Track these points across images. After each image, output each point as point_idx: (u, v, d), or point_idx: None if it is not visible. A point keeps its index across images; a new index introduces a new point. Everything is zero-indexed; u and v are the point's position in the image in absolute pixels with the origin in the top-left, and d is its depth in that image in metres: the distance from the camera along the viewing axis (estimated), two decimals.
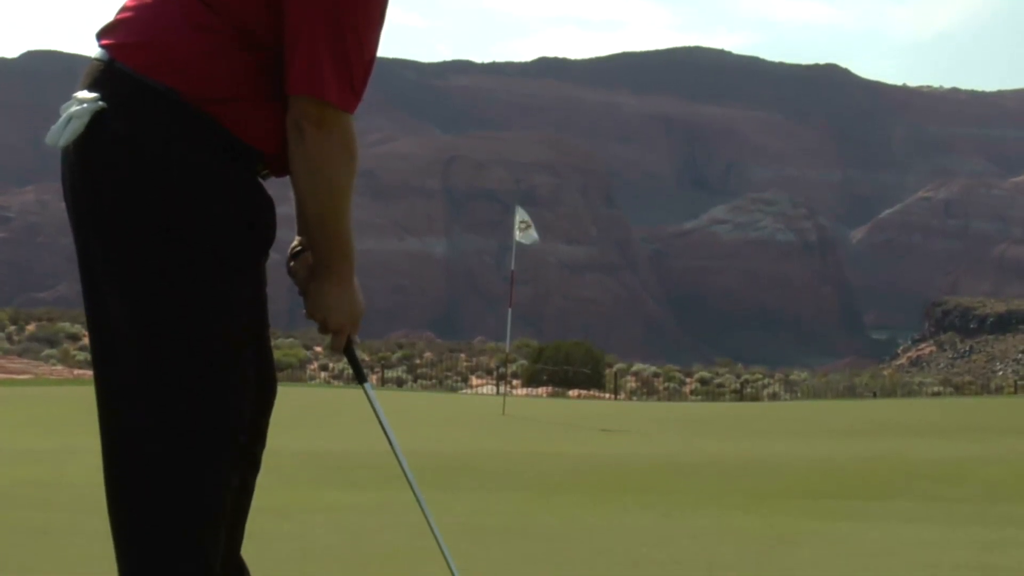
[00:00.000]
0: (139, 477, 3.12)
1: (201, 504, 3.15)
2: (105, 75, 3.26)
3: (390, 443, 3.41)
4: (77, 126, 3.20)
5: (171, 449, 3.12)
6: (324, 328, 3.37)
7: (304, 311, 3.38)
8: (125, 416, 3.16)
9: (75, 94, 3.27)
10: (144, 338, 3.14)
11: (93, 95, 3.22)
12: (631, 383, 63.20)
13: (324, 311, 3.36)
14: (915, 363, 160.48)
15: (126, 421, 3.15)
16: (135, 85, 3.22)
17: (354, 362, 3.48)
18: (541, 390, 51.72)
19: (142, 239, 3.14)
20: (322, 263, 3.35)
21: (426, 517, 3.40)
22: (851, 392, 57.37)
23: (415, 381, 61.44)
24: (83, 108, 3.20)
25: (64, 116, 3.23)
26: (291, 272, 3.43)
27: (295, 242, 3.45)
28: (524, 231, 28.65)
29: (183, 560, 3.13)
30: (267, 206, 3.31)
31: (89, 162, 3.18)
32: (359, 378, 3.49)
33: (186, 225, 3.15)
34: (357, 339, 3.43)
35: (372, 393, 3.50)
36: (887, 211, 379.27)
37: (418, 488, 3.40)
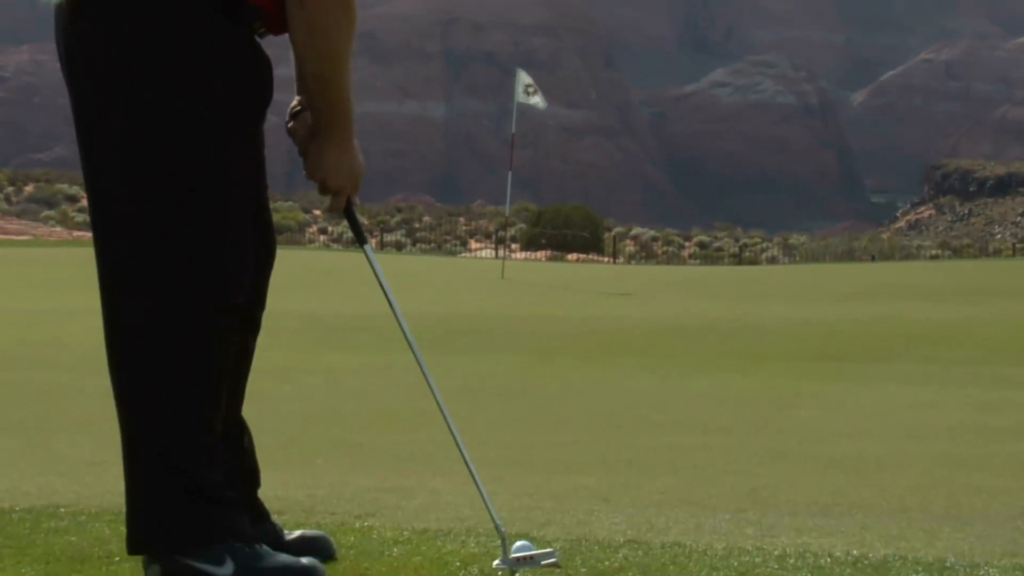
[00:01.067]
0: (140, 340, 3.12)
1: (202, 365, 3.15)
2: None
3: (390, 305, 3.41)
4: None
5: (170, 311, 3.12)
6: (323, 189, 3.34)
7: (304, 172, 3.36)
8: (124, 282, 3.15)
9: None
10: (140, 200, 3.12)
11: None
12: (630, 247, 63.27)
13: (323, 172, 3.33)
14: (914, 226, 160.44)
15: (125, 286, 3.15)
16: None
17: (354, 223, 3.46)
18: (540, 254, 51.81)
19: (136, 99, 3.11)
20: (321, 124, 3.32)
21: (426, 379, 3.41)
22: (850, 256, 57.49)
23: (414, 245, 61.49)
24: None
25: None
26: (290, 132, 3.41)
27: (294, 102, 3.42)
28: (532, 95, 28.47)
29: (184, 421, 3.15)
30: (264, 66, 3.28)
31: (83, 20, 3.14)
32: (359, 240, 3.46)
33: (182, 86, 3.12)
34: (357, 200, 3.41)
35: (372, 255, 3.48)
36: (888, 73, 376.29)
37: (418, 350, 3.42)
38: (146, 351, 3.14)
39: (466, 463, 3.38)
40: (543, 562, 3.28)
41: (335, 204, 3.35)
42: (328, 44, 3.21)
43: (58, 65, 3.25)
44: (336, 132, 3.29)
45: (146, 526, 3.13)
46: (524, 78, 28.52)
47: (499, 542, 3.38)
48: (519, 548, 3.33)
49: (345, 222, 3.47)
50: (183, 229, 3.13)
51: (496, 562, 3.30)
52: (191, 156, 3.13)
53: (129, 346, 3.16)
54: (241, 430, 3.38)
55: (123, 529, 3.24)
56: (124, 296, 3.16)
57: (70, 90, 3.21)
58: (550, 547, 3.53)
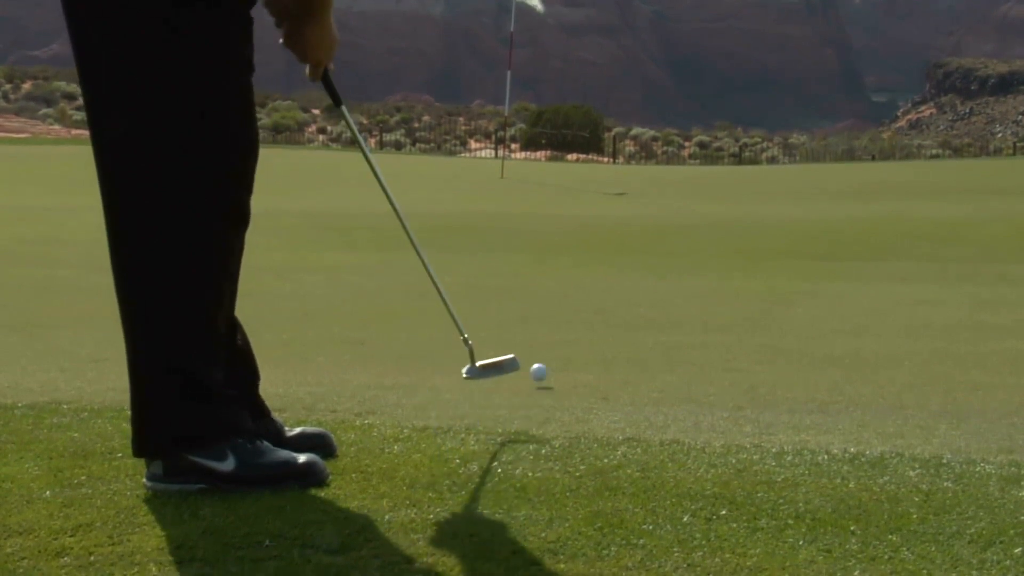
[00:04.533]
0: (142, 241, 3.09)
1: (204, 264, 3.14)
2: None
3: (370, 165, 3.54)
4: None
5: (172, 210, 3.09)
6: (302, 59, 3.45)
7: (281, 41, 3.42)
8: (123, 179, 3.12)
9: None
10: (134, 91, 3.09)
11: None
12: (630, 147, 63.08)
13: (303, 47, 3.39)
14: (915, 125, 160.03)
15: (124, 184, 3.12)
16: None
17: (330, 88, 3.59)
18: (540, 153, 51.70)
19: (143, 11, 3.06)
20: (303, 5, 3.33)
21: (425, 265, 3.48)
22: (850, 155, 57.35)
23: (414, 144, 61.30)
24: None
25: None
26: (266, 3, 3.40)
27: None
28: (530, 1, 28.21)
29: (186, 321, 3.13)
30: None
31: None
32: (335, 102, 3.64)
33: None
34: (332, 67, 3.53)
35: (348, 116, 3.66)
36: None
37: (413, 232, 3.47)
38: (148, 252, 3.13)
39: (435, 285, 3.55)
40: (509, 370, 3.42)
41: (313, 74, 3.45)
42: None
43: None
44: (316, 11, 3.32)
45: (151, 428, 3.14)
46: None
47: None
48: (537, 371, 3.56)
49: (342, 120, 3.54)
50: (180, 126, 3.10)
51: (463, 371, 3.43)
52: (181, 46, 3.10)
53: (131, 248, 3.14)
54: (232, 328, 3.38)
55: (125, 425, 3.26)
56: (124, 197, 3.14)
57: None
58: (548, 444, 3.55)
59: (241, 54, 3.19)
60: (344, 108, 3.59)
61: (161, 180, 3.11)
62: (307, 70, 3.46)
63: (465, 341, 3.56)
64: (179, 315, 3.14)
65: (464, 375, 3.64)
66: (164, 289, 3.13)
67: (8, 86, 69.65)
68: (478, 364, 3.61)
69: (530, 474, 3.24)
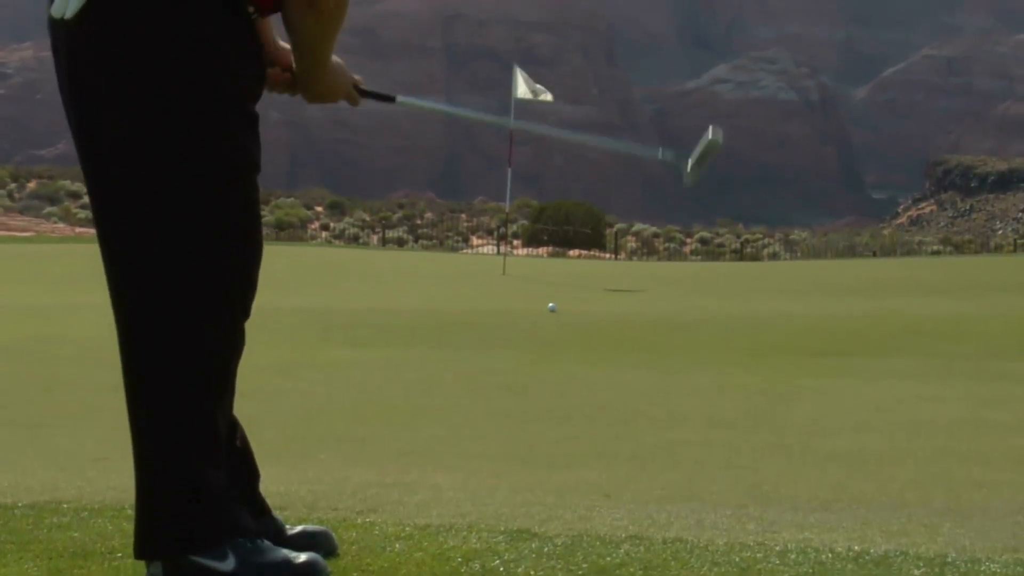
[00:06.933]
0: (148, 341, 3.11)
1: (211, 368, 3.14)
2: None
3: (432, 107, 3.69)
4: None
5: (174, 308, 3.10)
6: (334, 99, 3.56)
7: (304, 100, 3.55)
8: (128, 279, 3.12)
9: None
10: (141, 189, 3.10)
11: None
12: (631, 243, 63.30)
13: (322, 98, 3.52)
14: (915, 222, 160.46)
15: (131, 285, 3.13)
16: None
17: (373, 94, 3.64)
18: (542, 250, 51.86)
19: (150, 108, 3.08)
20: (306, 76, 3.44)
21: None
22: (851, 251, 57.52)
23: (416, 241, 61.51)
24: None
25: None
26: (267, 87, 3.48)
27: None
28: (539, 95, 28.83)
29: (192, 425, 3.12)
30: (260, 51, 3.28)
31: (92, 22, 3.10)
32: (389, 99, 3.70)
33: (193, 78, 3.08)
34: (361, 81, 3.59)
35: (412, 99, 3.75)
36: (890, 69, 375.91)
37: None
38: (154, 355, 3.14)
39: None
40: (715, 138, 3.35)
41: (352, 100, 3.57)
42: (331, 27, 3.28)
43: None
44: (319, 76, 3.44)
45: (154, 530, 3.14)
46: (522, 75, 28.65)
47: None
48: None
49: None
50: (186, 225, 3.13)
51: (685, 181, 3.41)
52: (192, 148, 3.12)
53: (139, 351, 3.16)
54: (232, 427, 3.37)
55: (125, 525, 3.25)
56: (131, 297, 3.16)
57: (72, 96, 3.17)
58: (551, 542, 3.53)
59: (247, 153, 3.22)
60: (400, 97, 3.69)
61: (165, 280, 3.13)
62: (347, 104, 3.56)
63: (663, 161, 3.52)
64: (183, 417, 3.15)
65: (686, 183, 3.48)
66: (171, 393, 3.15)
67: (13, 185, 70.03)
68: (689, 167, 3.49)
69: (532, 572, 3.22)
